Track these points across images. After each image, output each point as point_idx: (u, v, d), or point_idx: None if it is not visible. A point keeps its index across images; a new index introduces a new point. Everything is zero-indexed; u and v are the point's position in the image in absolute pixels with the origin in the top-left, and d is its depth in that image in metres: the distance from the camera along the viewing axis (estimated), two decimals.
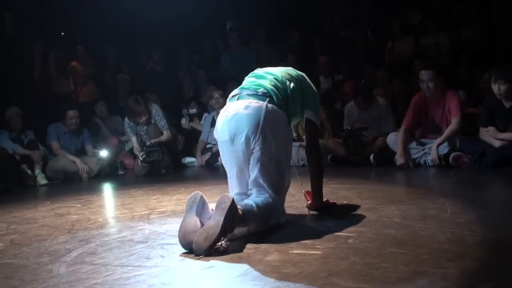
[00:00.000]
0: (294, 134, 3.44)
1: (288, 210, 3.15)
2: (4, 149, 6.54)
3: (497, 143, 5.13)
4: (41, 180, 6.65)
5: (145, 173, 6.72)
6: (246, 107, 2.85)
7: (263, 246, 2.44)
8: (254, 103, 2.86)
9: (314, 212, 3.18)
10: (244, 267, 2.14)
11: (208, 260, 2.28)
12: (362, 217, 2.95)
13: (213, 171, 6.82)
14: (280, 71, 3.12)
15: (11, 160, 6.60)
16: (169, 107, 8.08)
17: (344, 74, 8.19)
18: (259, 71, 3.17)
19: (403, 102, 6.81)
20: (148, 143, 6.72)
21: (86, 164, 6.89)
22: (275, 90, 2.94)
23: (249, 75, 3.20)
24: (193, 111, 7.85)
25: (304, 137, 3.26)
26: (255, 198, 2.73)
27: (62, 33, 9.67)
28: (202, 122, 7.87)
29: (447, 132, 5.42)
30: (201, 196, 2.60)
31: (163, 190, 4.93)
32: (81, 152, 7.19)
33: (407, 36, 8.08)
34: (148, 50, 9.15)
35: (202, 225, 2.48)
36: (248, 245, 2.46)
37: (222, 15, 10.71)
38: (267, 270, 2.06)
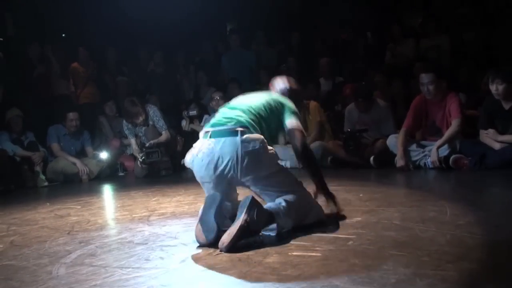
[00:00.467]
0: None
1: None
2: (4, 151, 6.54)
3: (497, 145, 5.12)
4: (41, 181, 6.65)
5: (145, 174, 6.72)
6: (220, 143, 2.78)
7: (263, 248, 2.44)
8: (228, 140, 2.76)
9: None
10: (244, 269, 2.14)
11: (208, 262, 2.28)
12: (362, 219, 2.94)
13: None
14: (257, 101, 3.06)
15: (11, 161, 6.60)
16: (169, 109, 8.08)
17: (344, 76, 8.19)
18: (234, 101, 3.12)
19: (403, 104, 6.81)
20: (147, 144, 6.72)
21: (86, 165, 6.90)
22: (250, 120, 2.89)
23: (224, 105, 3.20)
24: (193, 113, 7.85)
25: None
26: (281, 198, 2.77)
27: (63, 35, 9.68)
28: (202, 124, 7.87)
29: (447, 134, 5.42)
30: (222, 198, 2.66)
31: (163, 191, 4.93)
32: (81, 154, 7.20)
33: (407, 39, 8.08)
34: (149, 52, 9.15)
35: (217, 225, 2.54)
36: (248, 247, 2.46)
37: (223, 17, 10.72)
38: (267, 272, 2.06)
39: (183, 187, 5.21)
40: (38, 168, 6.74)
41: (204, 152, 2.83)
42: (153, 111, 6.95)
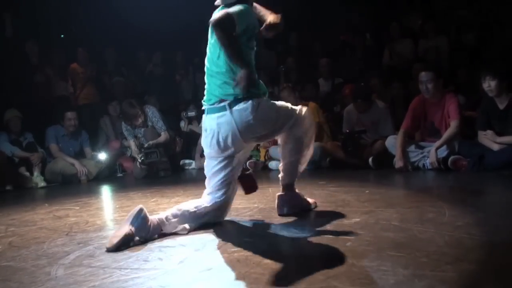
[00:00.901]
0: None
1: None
2: (2, 152, 6.54)
3: (495, 147, 5.13)
4: (40, 182, 6.65)
5: (144, 175, 6.72)
6: (217, 124, 2.98)
7: (261, 249, 2.44)
8: (221, 119, 2.96)
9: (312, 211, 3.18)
10: (242, 269, 2.14)
11: (207, 263, 2.28)
12: (360, 220, 2.94)
13: None
14: (208, 51, 3.06)
15: (10, 162, 6.60)
16: (168, 110, 8.08)
17: (343, 77, 8.19)
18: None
19: (402, 105, 6.81)
20: (146, 145, 6.72)
21: (85, 166, 6.89)
22: (220, 83, 2.96)
23: None
24: (192, 114, 7.85)
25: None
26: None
27: (62, 35, 9.67)
28: (201, 125, 7.86)
29: (446, 135, 5.42)
30: (140, 209, 2.80)
31: (161, 192, 4.92)
32: (79, 155, 7.19)
33: (406, 39, 8.09)
34: (148, 53, 9.14)
35: (131, 231, 2.70)
36: (246, 247, 2.46)
37: None
38: (265, 273, 2.06)
39: (182, 188, 5.21)
40: (36, 169, 6.73)
41: (206, 129, 3.07)
42: (152, 112, 6.95)
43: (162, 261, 2.37)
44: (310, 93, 7.28)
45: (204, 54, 3.10)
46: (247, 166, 6.59)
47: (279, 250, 2.39)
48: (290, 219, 3.13)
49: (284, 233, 2.75)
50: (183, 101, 8.66)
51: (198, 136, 7.67)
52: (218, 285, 2.02)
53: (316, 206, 3.44)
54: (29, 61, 8.06)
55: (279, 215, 3.23)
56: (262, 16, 3.17)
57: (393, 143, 5.73)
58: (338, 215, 3.12)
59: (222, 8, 3.01)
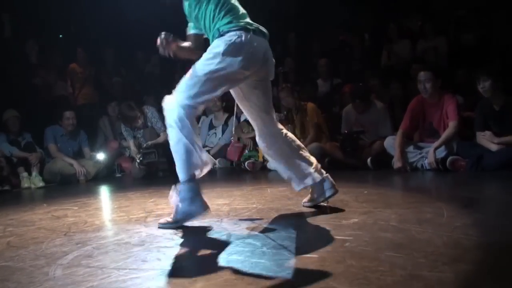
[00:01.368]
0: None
1: (285, 212, 3.16)
2: (1, 152, 6.54)
3: (494, 147, 5.14)
4: (38, 182, 6.65)
5: (143, 176, 6.72)
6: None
7: (259, 249, 2.44)
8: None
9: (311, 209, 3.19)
10: (240, 270, 2.14)
11: (205, 264, 2.29)
12: (358, 220, 2.95)
13: (210, 174, 6.80)
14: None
15: (8, 162, 6.60)
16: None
17: (342, 78, 8.20)
18: None
19: (400, 106, 6.82)
20: (144, 145, 6.73)
21: (84, 166, 6.89)
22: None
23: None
24: None
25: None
26: None
27: (61, 36, 9.67)
28: (200, 125, 7.87)
29: (444, 136, 5.43)
30: None
31: (160, 192, 4.92)
32: (78, 155, 7.19)
33: (404, 40, 8.10)
34: (146, 53, 9.14)
35: None
36: (245, 247, 2.46)
37: None
38: (263, 274, 2.06)
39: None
40: (35, 169, 6.73)
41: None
42: (151, 113, 6.96)
43: (161, 262, 2.37)
44: (309, 94, 7.29)
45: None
46: (246, 166, 6.60)
47: (276, 251, 2.39)
48: (288, 219, 3.13)
49: (282, 233, 2.75)
50: None
51: None
52: (216, 285, 2.02)
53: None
54: (28, 61, 8.05)
55: None
56: None
57: (391, 143, 5.74)
58: (337, 216, 3.12)
59: None
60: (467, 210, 3.09)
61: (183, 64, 9.38)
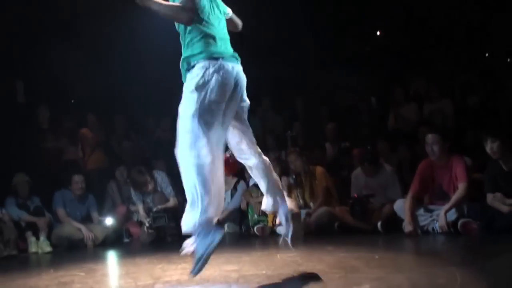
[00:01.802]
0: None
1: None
2: (9, 216, 6.54)
3: (505, 209, 5.08)
4: (46, 247, 6.59)
5: (151, 241, 6.66)
6: None
7: None
8: None
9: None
10: None
11: None
12: (370, 286, 2.89)
13: None
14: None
15: (17, 226, 6.58)
16: (177, 174, 8.08)
17: (350, 141, 8.24)
18: None
19: (409, 168, 6.80)
20: (154, 209, 6.70)
21: (92, 231, 6.85)
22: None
23: None
24: None
25: None
26: None
27: (72, 101, 9.86)
28: None
29: (454, 198, 5.39)
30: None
31: (168, 258, 4.86)
32: (86, 219, 7.15)
33: (411, 103, 8.18)
34: (156, 118, 9.26)
35: None
36: None
37: None
38: None
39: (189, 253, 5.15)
40: (43, 234, 6.69)
41: None
42: (161, 178, 6.99)
43: None
44: (317, 158, 7.30)
45: None
46: (255, 231, 6.54)
47: None
48: (299, 286, 3.08)
49: None
50: None
51: None
52: None
53: None
54: (40, 125, 8.18)
55: None
56: None
57: (401, 206, 5.69)
58: (348, 282, 3.07)
59: None
60: (480, 274, 3.03)
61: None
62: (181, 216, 3.13)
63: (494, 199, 5.22)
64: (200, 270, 2.99)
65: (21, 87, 8.75)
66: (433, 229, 5.45)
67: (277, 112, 9.30)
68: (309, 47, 9.80)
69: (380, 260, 3.85)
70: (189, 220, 3.05)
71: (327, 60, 9.85)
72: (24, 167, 7.16)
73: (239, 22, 3.66)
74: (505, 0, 8.43)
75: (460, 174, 5.45)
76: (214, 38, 3.20)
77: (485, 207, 5.30)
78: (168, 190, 6.93)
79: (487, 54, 10.23)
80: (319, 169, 6.70)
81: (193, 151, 3.03)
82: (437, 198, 5.67)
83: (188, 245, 3.05)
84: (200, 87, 3.07)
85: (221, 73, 3.09)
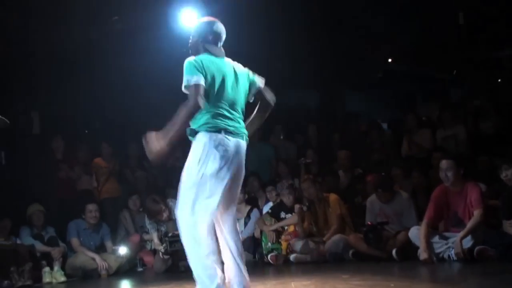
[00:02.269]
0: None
1: None
2: (24, 246, 6.57)
3: None
4: (60, 277, 6.60)
5: (165, 269, 6.65)
6: None
7: None
8: None
9: None
10: None
11: None
12: None
13: None
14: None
15: (31, 257, 6.60)
16: None
17: (363, 168, 8.22)
18: None
19: (423, 195, 6.76)
20: (170, 234, 6.70)
21: (106, 261, 6.85)
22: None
23: None
24: None
25: None
26: None
27: (86, 131, 9.97)
28: None
29: (470, 225, 5.34)
30: None
31: (181, 287, 4.85)
32: (100, 248, 7.17)
33: (424, 129, 8.17)
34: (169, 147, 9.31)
35: None
36: None
37: None
38: None
39: None
40: (57, 264, 6.71)
41: None
42: (175, 206, 6.98)
43: None
44: (331, 185, 7.29)
45: None
46: (269, 259, 6.51)
47: None
48: None
49: None
50: None
51: None
52: None
53: None
54: (54, 156, 8.26)
55: None
56: None
57: (416, 234, 5.64)
58: None
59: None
60: None
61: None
62: None
63: (510, 226, 5.17)
64: None
65: (37, 118, 8.87)
66: (448, 256, 5.39)
67: (290, 139, 9.32)
68: (320, 74, 9.88)
69: None
70: None
71: (339, 87, 9.91)
72: (39, 197, 7.23)
73: (270, 97, 3.58)
74: None
75: (475, 201, 5.41)
76: (221, 114, 3.29)
77: (501, 234, 5.25)
78: None
79: (499, 80, 10.23)
80: (332, 197, 6.69)
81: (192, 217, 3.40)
82: (452, 225, 5.62)
83: None
84: (203, 158, 3.27)
85: (221, 145, 3.22)
